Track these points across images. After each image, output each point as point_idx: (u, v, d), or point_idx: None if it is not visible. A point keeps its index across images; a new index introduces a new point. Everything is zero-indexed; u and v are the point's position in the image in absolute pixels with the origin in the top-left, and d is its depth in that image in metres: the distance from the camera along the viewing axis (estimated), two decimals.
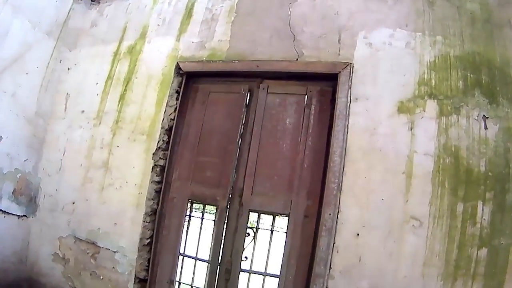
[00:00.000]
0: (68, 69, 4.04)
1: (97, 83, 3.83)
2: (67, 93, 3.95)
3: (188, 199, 3.26)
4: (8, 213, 3.55)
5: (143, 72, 3.67)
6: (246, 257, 2.99)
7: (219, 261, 3.05)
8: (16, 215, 3.65)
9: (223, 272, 3.01)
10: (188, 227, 3.30)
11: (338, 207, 2.61)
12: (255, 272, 2.95)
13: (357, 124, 2.73)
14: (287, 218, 2.90)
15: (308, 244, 2.77)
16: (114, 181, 3.46)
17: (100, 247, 3.42)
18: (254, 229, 3.03)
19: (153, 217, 3.29)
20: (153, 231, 3.27)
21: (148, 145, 3.40)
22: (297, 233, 2.84)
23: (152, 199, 3.28)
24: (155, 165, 3.32)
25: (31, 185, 3.80)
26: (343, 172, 2.68)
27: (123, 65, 3.79)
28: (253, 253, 3.01)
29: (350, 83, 2.81)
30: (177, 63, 3.49)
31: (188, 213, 3.29)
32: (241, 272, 2.98)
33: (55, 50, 3.90)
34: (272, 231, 2.99)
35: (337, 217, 2.60)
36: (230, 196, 3.08)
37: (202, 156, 3.31)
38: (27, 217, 3.77)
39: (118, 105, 3.64)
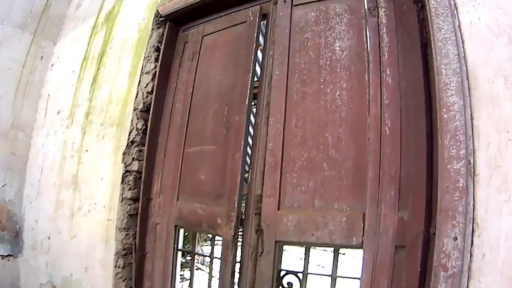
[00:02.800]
0: (52, 65, 3.30)
1: (73, 71, 2.94)
2: (48, 94, 3.17)
3: (175, 226, 1.92)
4: None
5: (118, 38, 2.61)
6: None
7: None
8: None
9: None
10: (181, 276, 1.94)
11: (473, 219, 1.02)
12: None
13: (477, 23, 1.07)
14: (360, 251, 1.30)
15: None
16: (83, 203, 2.38)
17: None
18: (297, 276, 1.50)
19: (129, 258, 2.04)
20: (132, 282, 2.01)
21: (118, 141, 2.23)
22: (382, 282, 1.21)
23: (124, 228, 2.05)
24: (126, 171, 2.11)
25: (14, 216, 3.03)
26: (472, 131, 1.03)
27: (99, 38, 2.82)
28: None
29: None
30: (156, 10, 2.31)
31: (177, 247, 1.93)
32: None
33: (33, 46, 3.18)
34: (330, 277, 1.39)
35: (472, 243, 1.02)
36: (240, 216, 1.63)
37: (192, 145, 1.96)
38: (13, 257, 2.99)
39: (90, 92, 2.64)
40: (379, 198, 1.27)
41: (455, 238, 1.02)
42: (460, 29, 1.15)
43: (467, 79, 1.09)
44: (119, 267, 2.03)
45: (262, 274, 1.49)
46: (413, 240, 1.17)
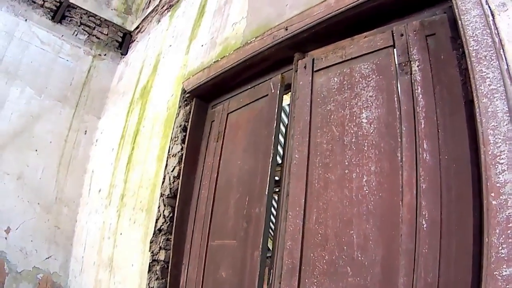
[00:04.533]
0: (96, 140, 3.60)
1: (112, 149, 3.17)
2: (92, 171, 3.44)
3: None
4: None
5: (149, 116, 2.77)
6: None
7: None
8: None
9: None
10: None
11: None
12: None
13: None
14: None
15: None
16: None
17: None
18: None
19: None
20: None
21: (146, 228, 2.28)
22: None
23: None
24: (153, 260, 2.12)
25: None
26: None
27: (134, 115, 3.03)
28: None
29: None
30: (182, 85, 2.43)
31: None
32: None
33: (75, 120, 3.51)
34: None
35: None
36: None
37: (215, 238, 1.90)
38: None
39: (125, 173, 2.79)
40: None
41: None
42: (510, 74, 0.95)
43: None
44: None
45: None
46: None
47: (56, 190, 3.32)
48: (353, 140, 1.41)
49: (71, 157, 3.44)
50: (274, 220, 1.61)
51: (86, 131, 3.58)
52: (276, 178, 1.75)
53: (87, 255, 3.02)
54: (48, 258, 3.21)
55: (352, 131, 1.43)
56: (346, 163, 1.40)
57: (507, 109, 0.92)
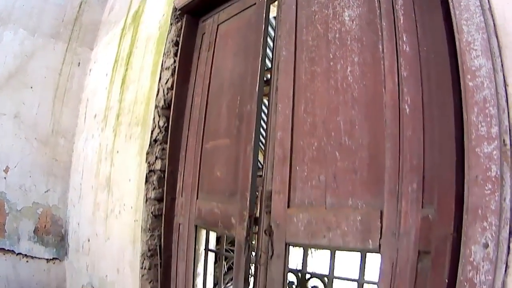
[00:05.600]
0: (90, 71, 3.65)
1: (106, 74, 3.22)
2: (87, 99, 3.51)
3: (195, 226, 1.98)
4: (31, 256, 3.21)
5: (142, 37, 2.79)
6: None
7: None
8: (44, 258, 3.28)
9: None
10: (204, 274, 2.00)
11: (510, 221, 0.85)
12: None
13: None
14: (378, 256, 1.21)
15: None
16: (115, 205, 2.59)
17: None
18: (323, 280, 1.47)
19: (154, 259, 2.16)
20: (158, 284, 2.13)
21: (143, 141, 2.38)
22: None
23: (149, 229, 2.18)
24: (150, 171, 2.25)
25: (60, 220, 3.41)
26: (507, 102, 0.91)
27: (127, 40, 3.05)
28: None
29: None
30: (173, 4, 2.43)
31: (197, 247, 2.00)
32: None
33: (68, 54, 3.53)
34: None
35: (508, 251, 0.85)
36: (252, 215, 1.63)
37: (209, 140, 2.01)
38: (59, 260, 3.37)
39: (120, 93, 2.86)
40: (399, 192, 1.14)
41: (486, 245, 0.86)
42: None
43: (496, 36, 0.94)
44: (145, 268, 2.16)
45: (273, 280, 1.47)
46: (439, 245, 1.01)
47: (52, 122, 3.41)
48: (337, 36, 1.46)
49: (65, 89, 3.50)
50: (265, 119, 1.69)
51: (79, 63, 3.62)
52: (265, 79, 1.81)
53: (85, 181, 3.17)
54: (47, 191, 3.36)
55: (335, 28, 1.48)
56: (331, 56, 1.46)
57: (479, 3, 0.96)
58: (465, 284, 0.87)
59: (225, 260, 3.25)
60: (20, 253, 3.15)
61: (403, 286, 1.09)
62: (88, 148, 3.20)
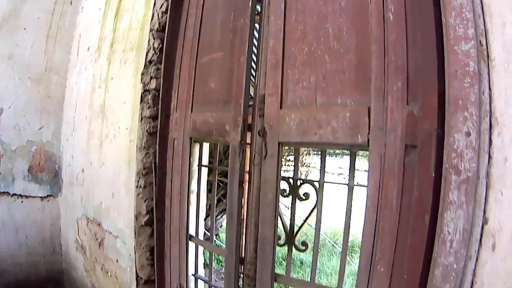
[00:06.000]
0: (82, 8, 3.58)
1: (99, 8, 3.16)
2: (80, 35, 3.47)
3: (190, 138, 2.05)
4: (26, 196, 3.28)
5: None
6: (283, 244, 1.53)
7: (239, 255, 1.72)
8: (38, 197, 3.36)
9: (246, 279, 1.65)
10: (198, 190, 2.09)
11: (490, 112, 0.93)
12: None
13: None
14: (366, 152, 1.29)
15: (420, 218, 1.08)
16: (109, 130, 2.64)
17: (105, 230, 2.67)
18: (314, 185, 1.55)
19: (149, 177, 2.25)
20: (153, 202, 2.23)
21: (137, 64, 2.40)
22: (391, 189, 1.17)
23: (144, 147, 2.25)
24: (145, 90, 2.28)
25: (53, 156, 3.47)
26: (482, 9, 0.97)
27: None
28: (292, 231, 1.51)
29: None
30: None
31: (192, 161, 2.08)
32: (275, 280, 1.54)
33: None
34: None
35: (490, 142, 0.92)
36: (246, 120, 1.69)
37: (203, 56, 2.04)
38: (53, 197, 3.45)
39: (113, 23, 2.83)
40: (385, 90, 1.21)
41: (468, 134, 0.93)
42: None
43: None
44: (140, 187, 2.25)
45: (267, 180, 1.55)
46: (425, 139, 1.09)
47: (46, 60, 3.40)
48: None
49: (58, 27, 3.46)
50: (258, 36, 1.72)
51: (71, 1, 3.55)
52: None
53: (78, 113, 3.20)
54: (41, 128, 3.39)
55: None
56: None
57: None
58: (451, 171, 0.94)
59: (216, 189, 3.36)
60: (15, 194, 3.23)
61: (391, 181, 1.16)
62: (82, 81, 3.20)
